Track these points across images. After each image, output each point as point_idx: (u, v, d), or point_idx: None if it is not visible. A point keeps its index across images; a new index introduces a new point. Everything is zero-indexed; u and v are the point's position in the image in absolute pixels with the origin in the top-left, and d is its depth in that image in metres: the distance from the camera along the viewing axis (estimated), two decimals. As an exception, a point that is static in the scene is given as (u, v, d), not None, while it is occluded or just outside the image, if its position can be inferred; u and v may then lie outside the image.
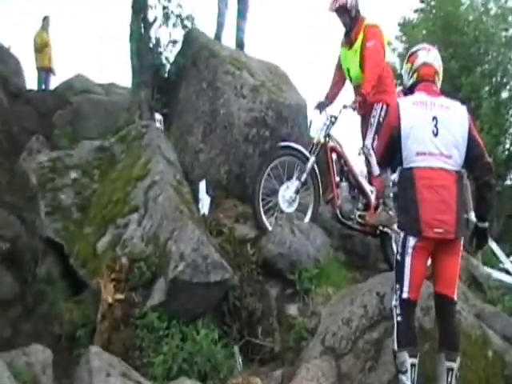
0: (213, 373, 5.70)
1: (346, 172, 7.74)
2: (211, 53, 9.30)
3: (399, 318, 4.89)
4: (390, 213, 7.15)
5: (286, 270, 6.97)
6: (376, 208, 7.46)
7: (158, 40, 10.14)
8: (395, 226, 6.54)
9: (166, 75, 10.15)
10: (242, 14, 10.06)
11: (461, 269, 5.23)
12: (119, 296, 6.10)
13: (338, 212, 7.52)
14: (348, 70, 7.82)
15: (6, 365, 4.40)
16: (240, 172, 8.43)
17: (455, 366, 4.78)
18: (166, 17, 10.14)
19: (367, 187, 7.67)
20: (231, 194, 8.26)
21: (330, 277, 7.03)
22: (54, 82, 15.11)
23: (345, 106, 7.59)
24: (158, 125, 8.80)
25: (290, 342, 6.42)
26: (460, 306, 5.45)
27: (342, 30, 7.84)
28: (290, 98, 9.07)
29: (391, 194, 7.09)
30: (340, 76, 8.02)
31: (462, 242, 4.97)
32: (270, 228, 7.32)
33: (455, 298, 4.92)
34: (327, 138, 7.67)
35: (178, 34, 10.23)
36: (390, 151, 5.15)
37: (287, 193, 7.52)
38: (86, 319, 6.31)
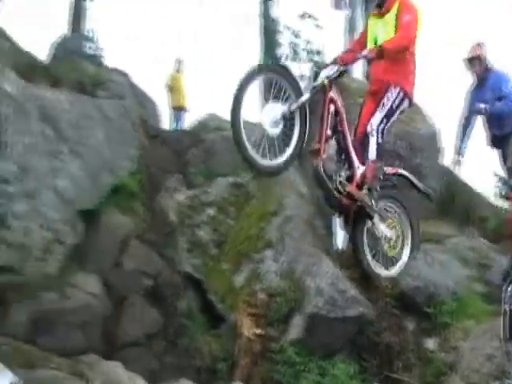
0: (351, 407, 5.66)
1: (339, 132, 6.81)
2: (341, 85, 9.36)
3: (507, 307, 5.08)
4: (373, 201, 6.70)
5: (423, 304, 6.84)
6: (359, 186, 6.76)
7: (287, 76, 10.28)
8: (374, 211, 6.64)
9: (295, 110, 10.23)
10: None
11: None
12: (258, 331, 6.22)
13: (321, 166, 6.59)
14: (375, 41, 7.05)
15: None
16: (371, 203, 8.37)
17: None
18: (295, 53, 10.32)
19: (355, 160, 6.85)
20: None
21: (468, 310, 6.84)
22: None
23: (359, 55, 6.84)
24: (290, 160, 8.91)
25: (428, 377, 6.29)
26: None
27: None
28: (421, 127, 9.02)
29: (378, 188, 6.77)
30: (360, 46, 7.22)
31: None
32: (258, 160, 6.20)
33: None
34: (330, 85, 6.66)
35: (307, 69, 10.35)
36: None
37: (272, 113, 6.27)
38: (225, 353, 6.44)
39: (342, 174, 6.75)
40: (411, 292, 6.87)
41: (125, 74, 9.43)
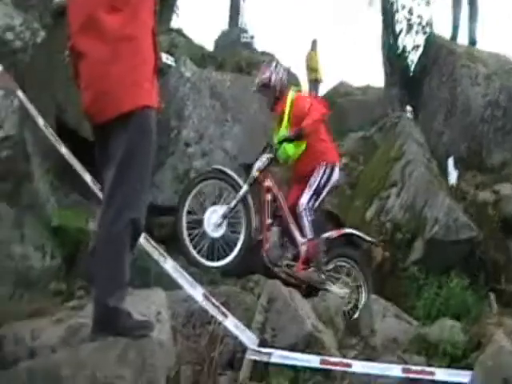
0: (465, 314, 5.59)
1: (279, 217, 5.86)
2: (449, 51, 9.41)
3: None
4: (322, 276, 5.70)
5: (524, 226, 6.81)
6: (305, 263, 5.75)
7: (404, 47, 10.37)
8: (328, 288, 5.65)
9: (412, 74, 10.32)
10: (473, 16, 10.03)
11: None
12: (387, 254, 6.46)
13: (265, 256, 5.69)
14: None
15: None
16: (477, 147, 8.43)
17: None
18: (409, 27, 10.34)
19: (298, 238, 5.80)
20: (471, 167, 8.22)
21: None
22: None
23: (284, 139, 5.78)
24: (408, 115, 9.07)
25: (531, 287, 6.27)
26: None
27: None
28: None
29: (324, 259, 5.72)
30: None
31: None
32: (199, 259, 5.44)
33: None
34: (263, 175, 5.77)
35: (420, 40, 10.38)
36: None
37: (213, 216, 5.57)
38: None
39: (288, 255, 5.82)
40: (514, 217, 6.85)
41: (272, 56, 9.75)
